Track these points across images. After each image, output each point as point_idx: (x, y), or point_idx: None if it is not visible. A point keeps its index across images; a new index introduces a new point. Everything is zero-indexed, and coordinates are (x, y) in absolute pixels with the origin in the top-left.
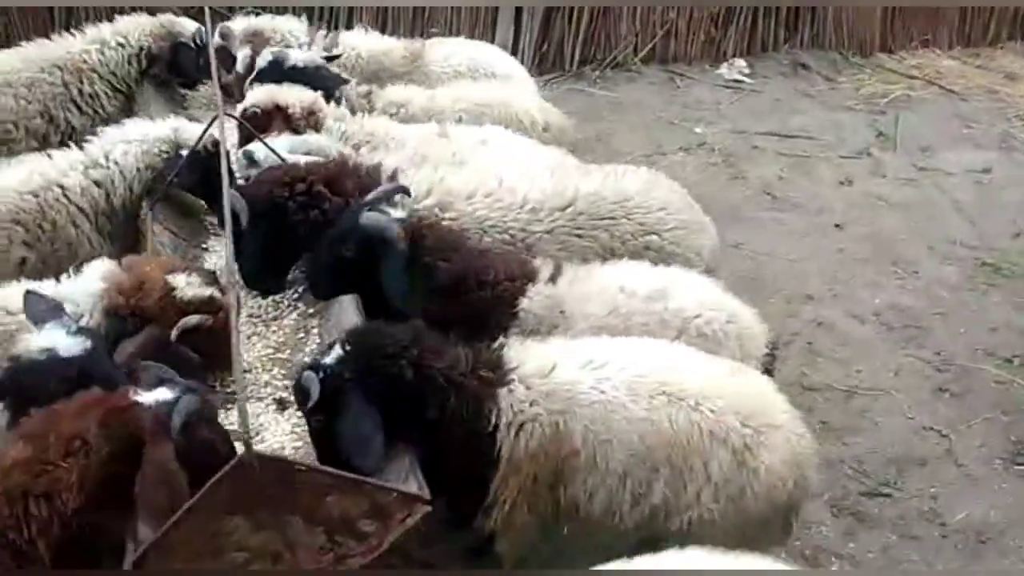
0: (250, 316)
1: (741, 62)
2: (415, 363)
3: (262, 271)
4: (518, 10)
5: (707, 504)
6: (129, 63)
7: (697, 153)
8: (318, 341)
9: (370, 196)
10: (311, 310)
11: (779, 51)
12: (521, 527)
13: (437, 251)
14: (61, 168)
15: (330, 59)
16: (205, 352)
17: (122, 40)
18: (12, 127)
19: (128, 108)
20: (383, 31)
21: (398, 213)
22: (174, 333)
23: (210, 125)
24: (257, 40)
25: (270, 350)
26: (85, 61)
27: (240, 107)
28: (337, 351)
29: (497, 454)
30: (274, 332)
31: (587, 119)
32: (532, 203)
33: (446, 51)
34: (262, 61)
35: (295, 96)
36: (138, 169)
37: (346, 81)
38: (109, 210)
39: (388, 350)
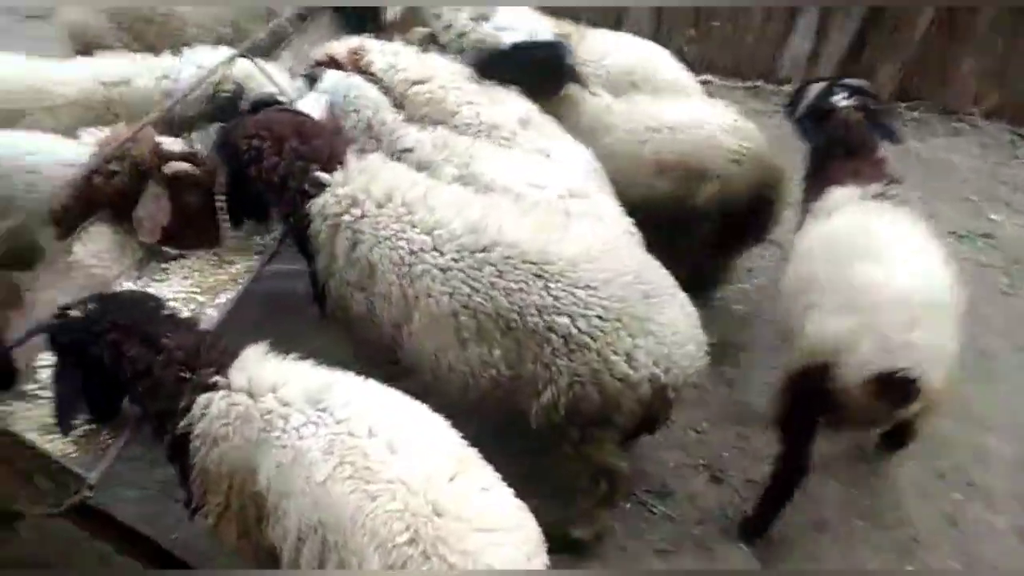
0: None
1: None
2: (113, 344)
3: (232, 207)
4: (825, 17)
5: None
6: None
7: (971, 244)
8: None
9: None
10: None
11: None
12: (243, 550)
13: None
14: (138, 69)
15: None
16: (188, 207)
17: None
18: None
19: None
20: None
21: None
22: (170, 167)
23: (231, 60)
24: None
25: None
26: None
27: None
28: (80, 310)
29: (191, 460)
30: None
31: None
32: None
33: (604, 48)
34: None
35: (343, 44)
36: None
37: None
38: (169, 118)
39: (95, 328)
